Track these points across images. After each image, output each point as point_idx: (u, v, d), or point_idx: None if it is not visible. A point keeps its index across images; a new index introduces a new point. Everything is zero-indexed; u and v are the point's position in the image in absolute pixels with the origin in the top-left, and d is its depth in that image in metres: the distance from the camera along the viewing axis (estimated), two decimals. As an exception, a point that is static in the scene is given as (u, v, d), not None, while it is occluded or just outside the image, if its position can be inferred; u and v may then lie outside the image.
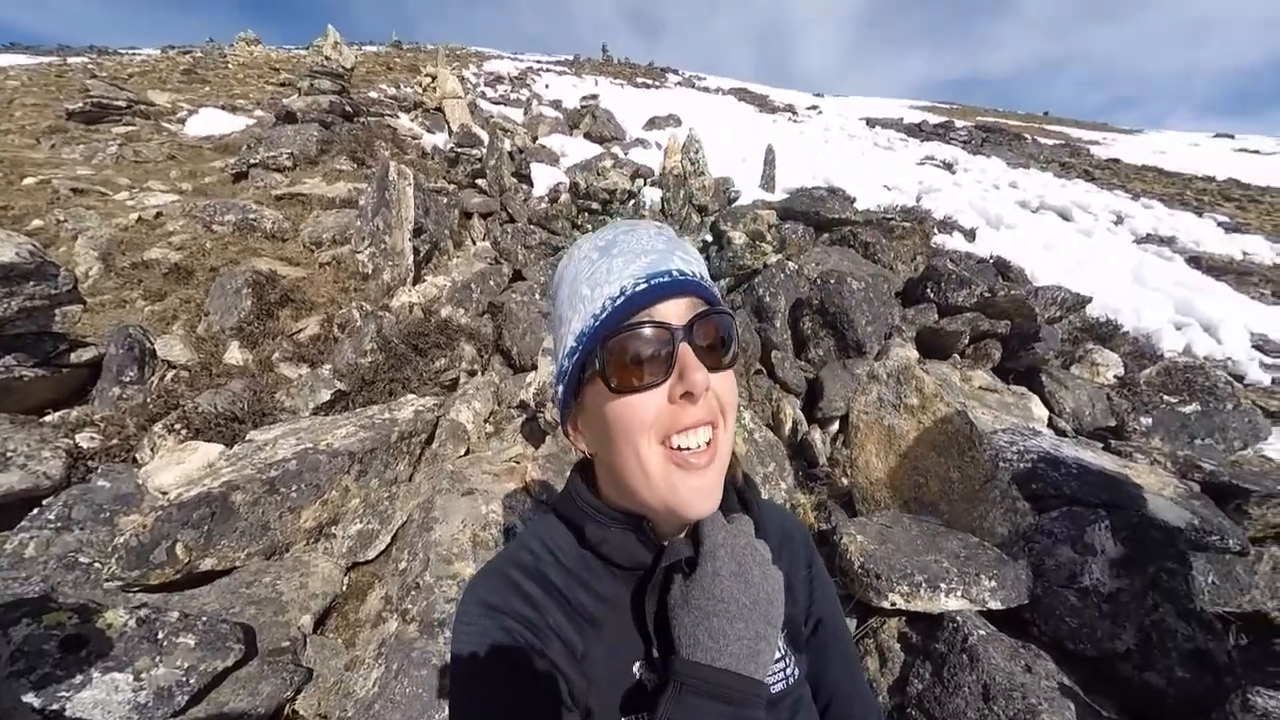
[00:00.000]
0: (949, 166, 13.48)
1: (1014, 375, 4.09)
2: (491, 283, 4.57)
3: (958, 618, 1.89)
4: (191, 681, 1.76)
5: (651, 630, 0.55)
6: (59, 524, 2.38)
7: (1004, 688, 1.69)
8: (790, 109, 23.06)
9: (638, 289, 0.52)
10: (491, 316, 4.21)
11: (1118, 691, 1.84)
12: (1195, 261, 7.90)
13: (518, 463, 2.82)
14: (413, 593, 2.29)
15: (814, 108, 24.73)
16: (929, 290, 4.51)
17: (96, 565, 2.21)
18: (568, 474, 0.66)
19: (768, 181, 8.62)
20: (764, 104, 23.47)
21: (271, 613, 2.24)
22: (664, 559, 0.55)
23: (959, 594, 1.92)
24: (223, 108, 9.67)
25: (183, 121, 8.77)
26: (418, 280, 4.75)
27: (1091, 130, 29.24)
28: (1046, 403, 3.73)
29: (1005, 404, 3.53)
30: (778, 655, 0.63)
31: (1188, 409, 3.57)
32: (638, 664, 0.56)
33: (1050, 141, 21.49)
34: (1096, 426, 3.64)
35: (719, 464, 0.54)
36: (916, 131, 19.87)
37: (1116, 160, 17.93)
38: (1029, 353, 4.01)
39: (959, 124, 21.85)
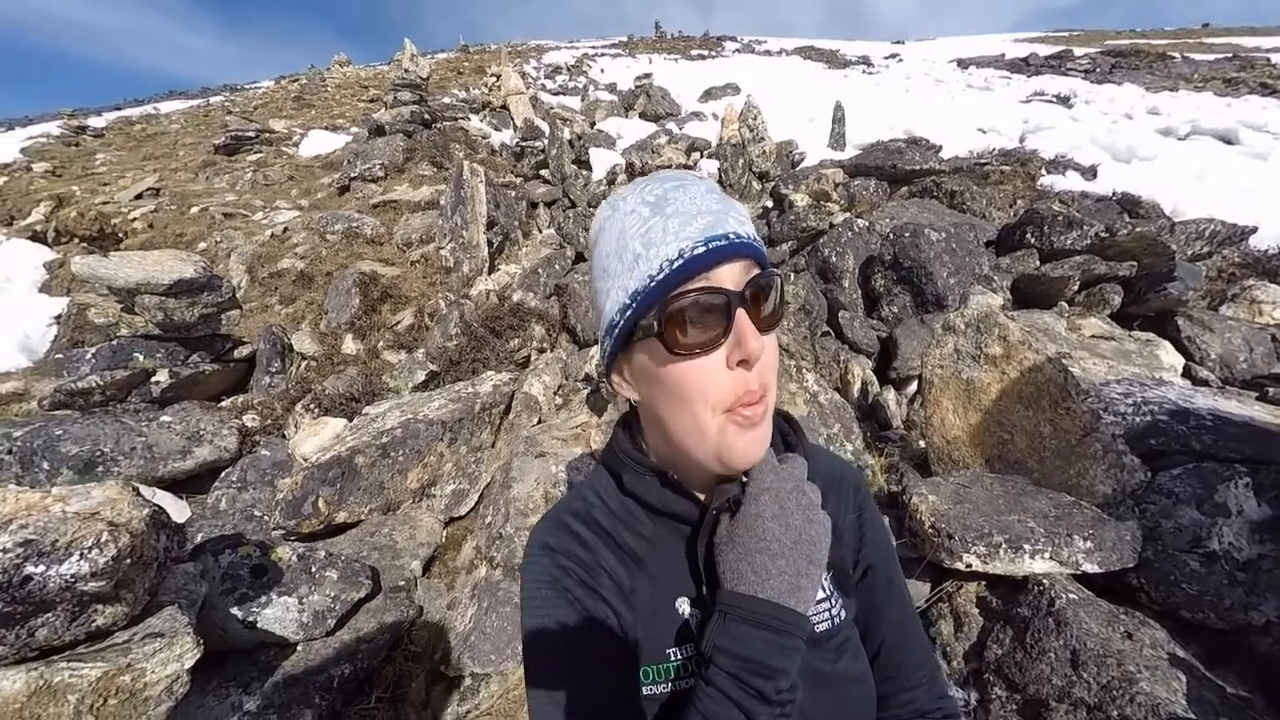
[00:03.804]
0: (1064, 100, 11.55)
1: (1141, 321, 3.53)
2: (556, 266, 4.81)
3: (1045, 580, 1.75)
4: (337, 608, 2.15)
5: (701, 569, 0.58)
6: (239, 485, 2.99)
7: (1096, 654, 1.54)
8: (864, 61, 20.94)
9: (696, 253, 0.51)
10: (557, 298, 4.46)
11: (1251, 666, 1.60)
12: None
13: (583, 430, 3.01)
14: (497, 542, 2.56)
15: (893, 56, 22.21)
16: (1029, 235, 3.99)
17: (265, 518, 2.74)
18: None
19: (837, 140, 8.03)
20: (833, 60, 21.53)
21: (390, 558, 2.64)
22: (715, 500, 0.57)
23: (1046, 555, 1.77)
24: (326, 128, 10.93)
25: (297, 144, 10.08)
26: (492, 270, 5.13)
27: (1277, 36, 22.97)
28: (1184, 349, 3.18)
29: (1125, 352, 3.06)
30: (822, 595, 0.64)
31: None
32: (683, 601, 0.60)
33: (1210, 57, 17.35)
34: (1255, 375, 3.05)
35: (769, 417, 0.56)
36: (1022, 67, 17.10)
37: (1314, 65, 14.10)
38: (1160, 295, 3.42)
39: (1079, 52, 18.47)
